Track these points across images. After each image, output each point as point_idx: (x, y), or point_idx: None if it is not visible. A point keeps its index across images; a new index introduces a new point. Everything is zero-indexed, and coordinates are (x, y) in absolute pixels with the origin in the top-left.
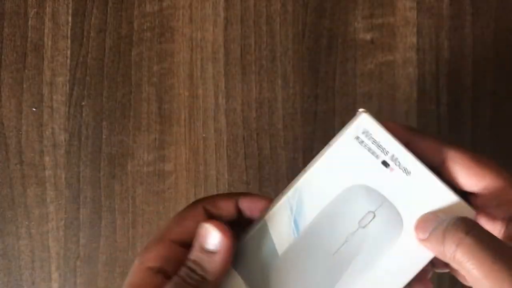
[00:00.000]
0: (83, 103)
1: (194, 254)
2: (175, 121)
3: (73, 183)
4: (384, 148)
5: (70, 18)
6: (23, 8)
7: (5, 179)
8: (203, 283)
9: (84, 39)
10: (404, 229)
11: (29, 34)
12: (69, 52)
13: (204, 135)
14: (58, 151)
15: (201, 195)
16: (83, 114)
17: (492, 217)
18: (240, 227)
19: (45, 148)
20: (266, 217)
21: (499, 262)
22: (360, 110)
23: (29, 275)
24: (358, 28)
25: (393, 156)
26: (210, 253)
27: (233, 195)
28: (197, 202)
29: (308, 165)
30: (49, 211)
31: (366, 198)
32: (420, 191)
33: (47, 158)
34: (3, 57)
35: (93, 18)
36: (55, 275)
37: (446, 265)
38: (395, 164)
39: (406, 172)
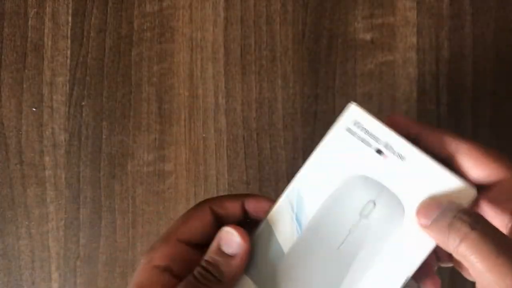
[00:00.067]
0: (83, 103)
1: (211, 256)
2: (175, 121)
3: (73, 183)
4: (376, 137)
5: (70, 18)
6: (23, 8)
7: (5, 179)
8: (217, 285)
9: (84, 39)
10: (406, 214)
11: (29, 34)
12: (69, 52)
13: (204, 135)
14: (58, 151)
15: (201, 195)
16: (83, 114)
17: (502, 210)
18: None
19: (45, 148)
20: (268, 217)
21: (503, 256)
22: (350, 103)
23: (29, 275)
24: (358, 28)
25: (386, 143)
26: (228, 256)
27: (239, 196)
28: (203, 203)
29: (304, 162)
30: (49, 211)
31: (365, 188)
32: (417, 174)
33: (47, 158)
34: (3, 57)
35: (93, 18)
36: (55, 275)
37: (451, 259)
38: (389, 151)
39: (401, 157)
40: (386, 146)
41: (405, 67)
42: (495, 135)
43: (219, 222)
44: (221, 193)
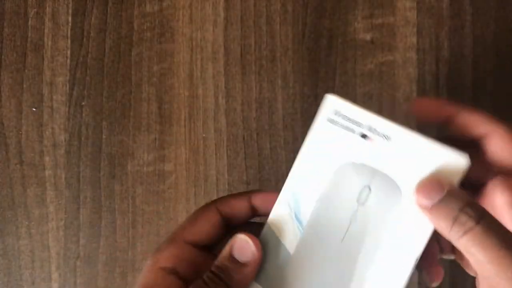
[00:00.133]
0: (83, 103)
1: (222, 262)
2: (175, 121)
3: (73, 183)
4: (359, 122)
5: (70, 18)
6: (23, 8)
7: (5, 179)
8: None
9: (84, 39)
10: (403, 194)
11: (29, 34)
12: (69, 52)
13: (204, 135)
14: (58, 151)
15: (201, 195)
16: (83, 114)
17: None
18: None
19: (45, 148)
20: (269, 221)
21: (506, 249)
22: (326, 94)
23: (29, 275)
24: (358, 28)
25: (369, 126)
26: (240, 264)
27: (245, 194)
28: (210, 204)
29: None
30: (49, 211)
31: (357, 175)
32: (406, 151)
33: (47, 158)
34: (3, 57)
35: (93, 18)
36: (55, 275)
37: (453, 251)
38: (374, 134)
39: (386, 137)
40: (370, 129)
41: (405, 67)
42: None
43: (227, 222)
44: (221, 193)
